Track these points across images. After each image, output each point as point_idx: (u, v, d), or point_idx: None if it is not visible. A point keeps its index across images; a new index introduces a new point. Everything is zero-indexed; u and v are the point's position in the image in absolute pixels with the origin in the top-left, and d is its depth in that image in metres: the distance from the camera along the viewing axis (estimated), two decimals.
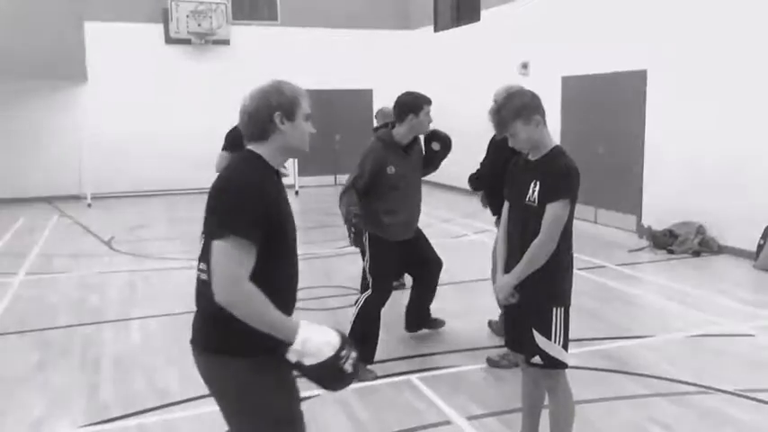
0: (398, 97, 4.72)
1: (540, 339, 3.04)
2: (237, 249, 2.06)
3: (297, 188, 14.30)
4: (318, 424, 3.80)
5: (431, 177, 5.46)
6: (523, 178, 3.11)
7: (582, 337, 5.13)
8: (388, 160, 4.59)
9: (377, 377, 4.50)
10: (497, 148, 4.73)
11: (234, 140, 5.34)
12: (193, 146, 13.10)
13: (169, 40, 14.31)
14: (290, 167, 13.33)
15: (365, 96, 15.67)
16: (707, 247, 8.17)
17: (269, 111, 2.23)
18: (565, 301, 3.09)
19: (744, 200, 7.83)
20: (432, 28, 15.24)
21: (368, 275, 4.68)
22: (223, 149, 5.90)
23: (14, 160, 13.42)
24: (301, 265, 2.40)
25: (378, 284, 4.67)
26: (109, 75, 13.89)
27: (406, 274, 5.74)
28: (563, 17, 10.81)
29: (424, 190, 5.11)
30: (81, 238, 9.88)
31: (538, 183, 3.02)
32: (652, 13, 9.01)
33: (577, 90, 10.54)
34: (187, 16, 14.08)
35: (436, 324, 5.38)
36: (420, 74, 14.79)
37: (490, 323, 5.41)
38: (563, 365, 3.10)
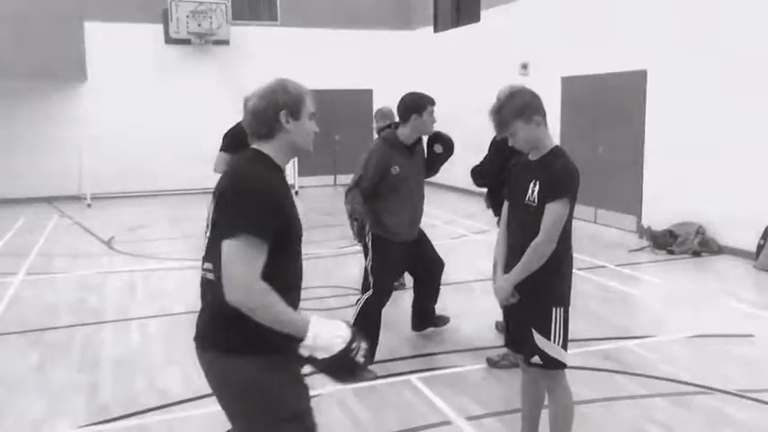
0: (402, 98, 4.73)
1: (539, 339, 3.04)
2: (250, 248, 2.06)
3: (297, 188, 14.30)
4: (318, 424, 3.79)
5: (430, 178, 5.46)
6: (523, 178, 3.11)
7: (582, 338, 5.12)
8: (393, 160, 4.60)
9: (377, 377, 4.50)
10: (498, 149, 4.74)
11: (236, 140, 5.31)
12: (193, 146, 13.09)
13: (169, 40, 14.31)
14: (290, 167, 13.34)
15: (365, 96, 15.67)
16: (707, 247, 8.17)
17: (275, 109, 2.24)
18: (564, 302, 3.09)
19: (744, 200, 7.83)
20: (432, 28, 15.24)
21: (370, 275, 4.69)
22: (221, 150, 5.84)
23: (14, 160, 13.42)
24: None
25: (379, 284, 4.67)
26: (109, 75, 13.90)
27: (407, 275, 5.74)
28: (563, 17, 10.81)
29: (425, 191, 5.11)
30: (81, 238, 9.88)
31: (537, 183, 3.02)
32: (652, 13, 9.02)
33: (577, 90, 10.54)
34: (187, 16, 14.08)
35: (441, 321, 5.39)
36: (420, 74, 14.79)
37: (497, 325, 5.38)
38: (562, 366, 3.10)
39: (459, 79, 13.66)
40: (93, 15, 13.67)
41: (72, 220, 11.35)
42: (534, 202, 3.02)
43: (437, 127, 4.85)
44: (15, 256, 8.51)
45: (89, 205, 12.93)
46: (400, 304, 5.56)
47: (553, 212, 2.96)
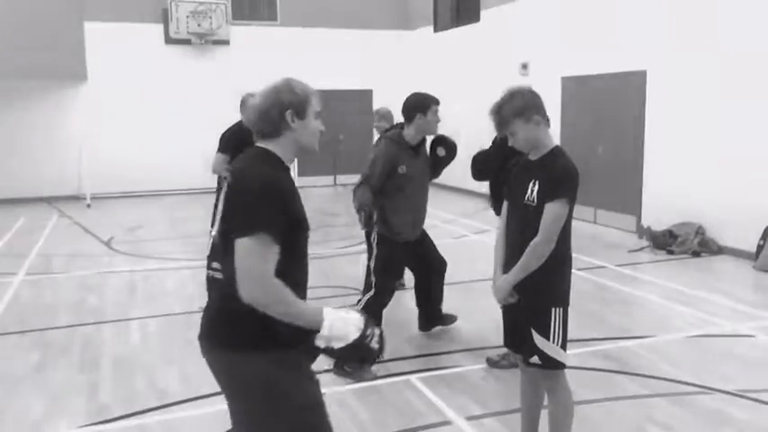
0: (407, 98, 4.77)
1: (538, 339, 3.04)
2: (262, 246, 2.08)
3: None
4: None
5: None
6: (523, 178, 3.12)
7: (582, 338, 5.12)
8: (400, 160, 4.65)
9: (377, 377, 4.50)
10: (498, 148, 4.74)
11: (234, 141, 5.29)
12: (193, 146, 13.08)
13: (169, 40, 14.31)
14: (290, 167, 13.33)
15: (365, 96, 15.67)
16: (706, 247, 8.17)
17: (281, 108, 2.26)
18: (564, 302, 3.09)
19: (743, 200, 7.83)
20: (431, 28, 15.24)
21: (372, 274, 4.70)
22: (219, 151, 5.77)
23: (14, 160, 13.41)
24: None
25: (381, 284, 4.69)
26: (109, 75, 13.89)
27: (407, 276, 5.74)
28: (563, 17, 10.81)
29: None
30: (80, 238, 9.88)
31: (537, 183, 3.02)
32: (652, 13, 9.02)
33: (577, 90, 10.54)
34: (187, 16, 14.08)
35: (449, 320, 5.38)
36: (420, 74, 14.78)
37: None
38: (561, 366, 3.10)
39: (460, 79, 13.67)
40: (93, 15, 13.68)
41: (72, 221, 11.35)
42: (533, 201, 3.02)
43: (441, 127, 4.86)
44: (15, 257, 8.50)
45: (89, 205, 12.92)
46: (400, 304, 5.56)
47: (552, 212, 2.96)
